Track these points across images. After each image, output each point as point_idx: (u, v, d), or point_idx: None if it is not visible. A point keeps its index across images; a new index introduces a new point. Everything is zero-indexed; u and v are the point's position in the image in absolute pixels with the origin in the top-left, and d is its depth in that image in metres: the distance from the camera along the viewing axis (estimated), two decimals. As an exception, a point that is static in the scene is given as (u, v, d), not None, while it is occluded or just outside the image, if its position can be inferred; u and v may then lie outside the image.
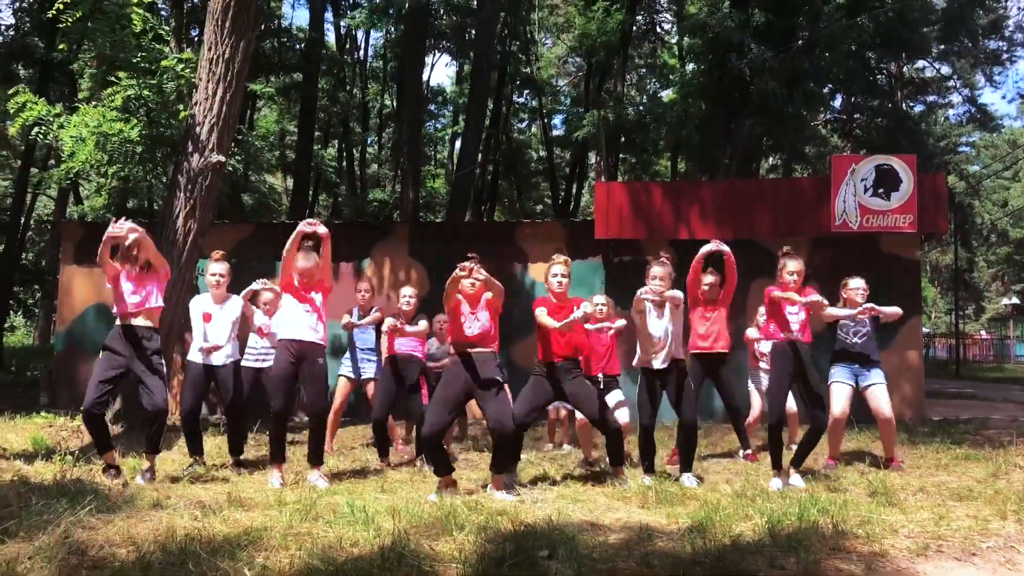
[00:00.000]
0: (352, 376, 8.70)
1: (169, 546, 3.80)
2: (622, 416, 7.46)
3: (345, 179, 27.94)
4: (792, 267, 6.98)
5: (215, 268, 7.45)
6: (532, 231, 12.00)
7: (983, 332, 52.26)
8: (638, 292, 6.81)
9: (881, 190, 10.50)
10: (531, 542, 3.98)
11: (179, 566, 3.52)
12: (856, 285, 7.89)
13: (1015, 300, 43.04)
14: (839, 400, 7.64)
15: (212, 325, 7.40)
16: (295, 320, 6.64)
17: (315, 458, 6.62)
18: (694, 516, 5.03)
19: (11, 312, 25.48)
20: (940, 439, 9.16)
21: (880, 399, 7.59)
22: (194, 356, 7.39)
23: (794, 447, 8.33)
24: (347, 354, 8.76)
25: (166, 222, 9.58)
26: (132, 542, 3.89)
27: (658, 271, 6.91)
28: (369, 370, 8.68)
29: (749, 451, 8.22)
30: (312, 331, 6.64)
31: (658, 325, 6.97)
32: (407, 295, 7.98)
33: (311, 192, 25.95)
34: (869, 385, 7.61)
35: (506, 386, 6.44)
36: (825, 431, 6.98)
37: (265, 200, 30.14)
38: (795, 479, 6.77)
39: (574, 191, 28.89)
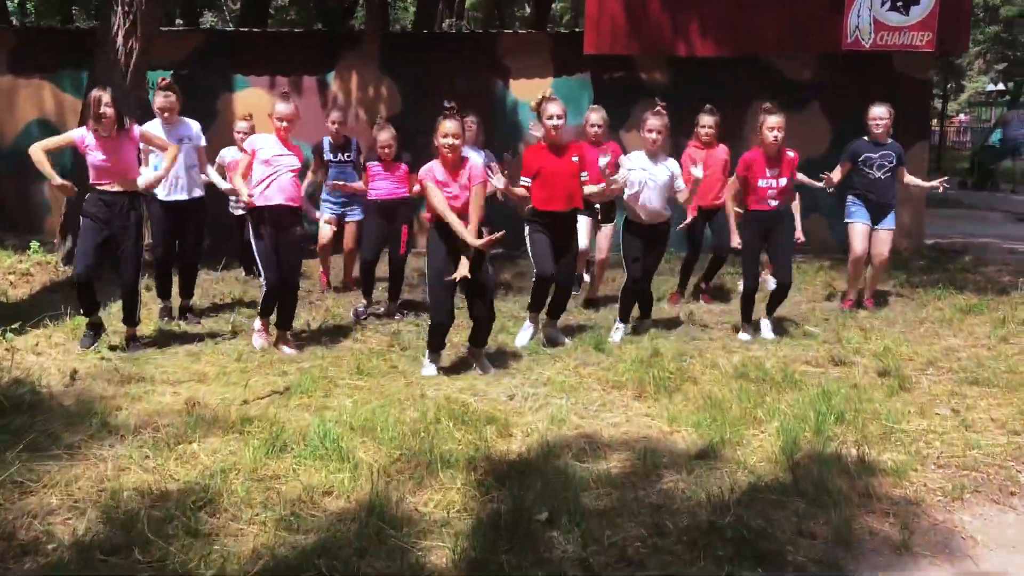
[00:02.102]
0: (332, 216, 8.09)
1: (113, 514, 3.31)
2: (603, 244, 7.63)
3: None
4: (772, 122, 6.48)
5: (161, 101, 6.78)
6: (515, 43, 10.90)
7: (962, 116, 51.38)
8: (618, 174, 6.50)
9: (900, 3, 9.48)
10: (526, 495, 3.54)
11: (125, 553, 3.05)
12: (874, 114, 7.48)
13: (1000, 86, 41.79)
14: (858, 238, 7.59)
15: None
16: (272, 182, 6.14)
17: (284, 323, 6.35)
18: (698, 423, 4.62)
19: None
20: (940, 280, 8.77)
21: (884, 243, 7.60)
22: (159, 194, 6.83)
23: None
24: (324, 194, 8.07)
25: (106, 41, 8.49)
26: (72, 506, 3.40)
27: (654, 123, 6.31)
28: (352, 214, 8.06)
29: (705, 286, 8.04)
30: (287, 193, 6.18)
31: (651, 180, 6.45)
32: (385, 142, 7.26)
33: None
34: (879, 228, 7.59)
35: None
36: (789, 288, 6.86)
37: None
38: (765, 328, 6.77)
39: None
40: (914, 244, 10.67)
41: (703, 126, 7.70)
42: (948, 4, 9.50)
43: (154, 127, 6.73)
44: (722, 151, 7.80)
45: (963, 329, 7.03)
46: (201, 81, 10.88)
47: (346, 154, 7.96)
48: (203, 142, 7.03)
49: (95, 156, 5.94)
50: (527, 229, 6.30)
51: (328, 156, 7.90)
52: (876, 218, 7.57)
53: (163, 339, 6.47)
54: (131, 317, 6.20)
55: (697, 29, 9.93)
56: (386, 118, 7.50)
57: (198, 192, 7.01)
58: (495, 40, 11.00)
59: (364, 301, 7.46)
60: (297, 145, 6.39)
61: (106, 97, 5.85)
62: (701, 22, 9.92)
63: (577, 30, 11.20)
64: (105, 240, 6.04)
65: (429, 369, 5.68)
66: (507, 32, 11.55)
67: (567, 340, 6.53)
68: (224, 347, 6.29)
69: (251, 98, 10.77)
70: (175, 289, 7.24)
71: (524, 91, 10.79)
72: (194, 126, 6.99)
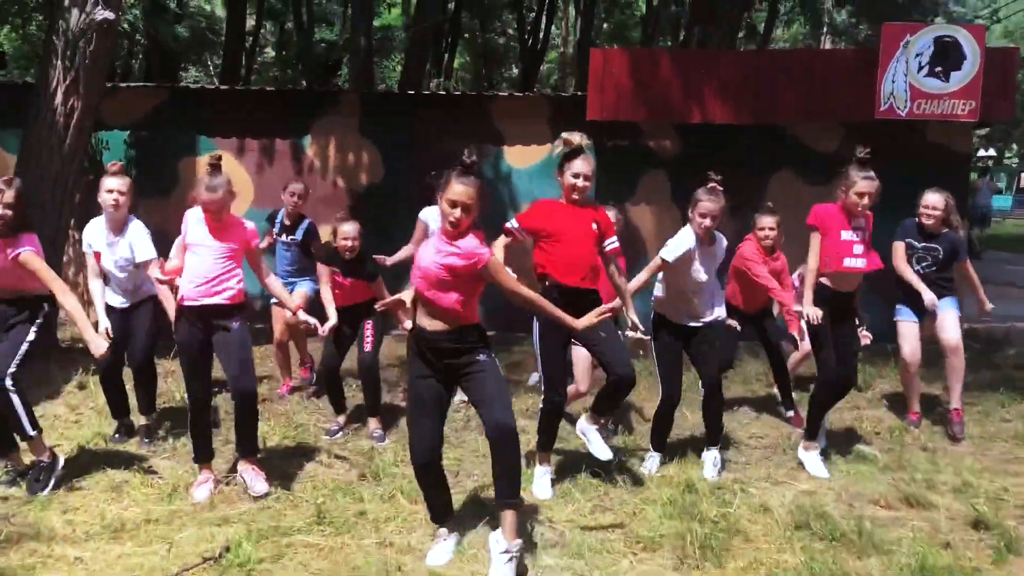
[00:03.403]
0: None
1: None
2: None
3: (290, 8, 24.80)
4: (863, 187, 5.29)
5: (111, 184, 5.44)
6: (509, 106, 9.88)
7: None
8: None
9: (939, 69, 8.54)
10: None
11: None
12: (928, 201, 6.42)
13: (991, 152, 41.58)
14: (905, 340, 6.41)
15: (106, 262, 5.58)
16: (195, 274, 4.77)
17: (246, 446, 4.95)
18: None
19: None
20: (993, 381, 7.67)
21: (949, 329, 6.29)
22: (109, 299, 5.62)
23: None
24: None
25: (42, 98, 7.40)
26: None
27: (708, 207, 5.13)
28: (303, 283, 6.91)
29: (792, 413, 6.62)
30: (217, 291, 4.78)
31: (699, 271, 5.28)
32: (349, 235, 5.91)
33: (255, 20, 23.04)
34: (941, 310, 6.30)
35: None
36: (842, 391, 5.58)
37: (201, 31, 26.88)
38: (812, 463, 5.44)
39: (543, 24, 26.18)
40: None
41: (762, 228, 6.42)
42: (992, 70, 8.58)
43: (96, 229, 5.57)
44: (781, 261, 6.60)
45: (1050, 455, 5.94)
46: (162, 143, 9.82)
47: (291, 236, 6.92)
48: (148, 254, 5.55)
49: None
50: (538, 324, 4.91)
51: (275, 230, 6.91)
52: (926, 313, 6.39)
53: (84, 462, 5.26)
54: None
55: (712, 95, 8.97)
56: (346, 212, 6.22)
57: (147, 291, 5.73)
58: (488, 102, 9.99)
59: (338, 420, 6.16)
60: (240, 220, 4.93)
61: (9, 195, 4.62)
62: (717, 88, 8.96)
63: (579, 93, 10.20)
64: None
65: (438, 552, 4.06)
66: (502, 94, 10.54)
67: (608, 453, 5.01)
68: (155, 475, 5.09)
69: (217, 162, 9.65)
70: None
71: (519, 158, 9.77)
72: (138, 236, 5.55)
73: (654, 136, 9.60)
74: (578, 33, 23.93)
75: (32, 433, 4.81)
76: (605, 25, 28.82)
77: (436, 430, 4.01)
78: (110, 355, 5.22)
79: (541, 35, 26.07)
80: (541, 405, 5.04)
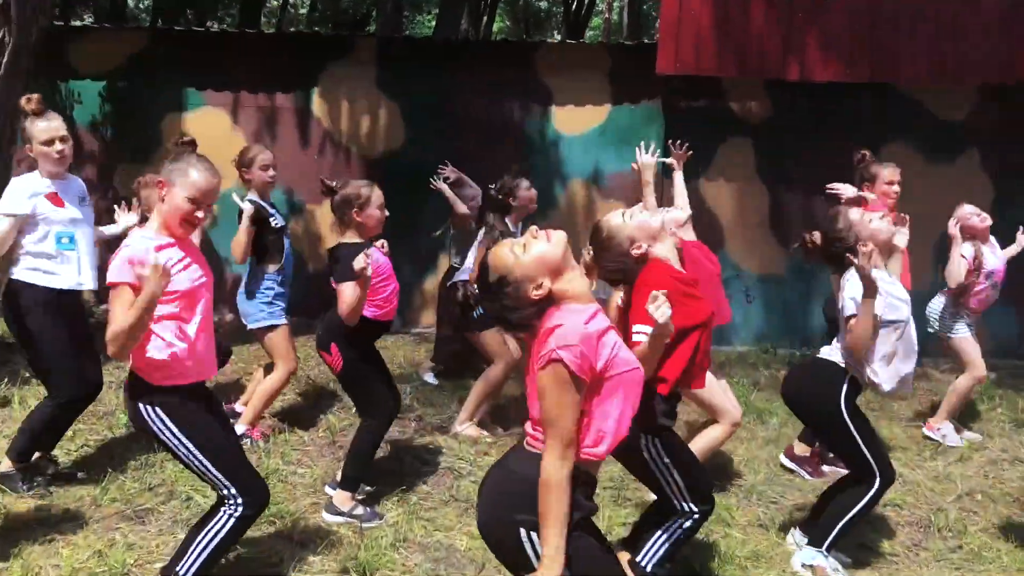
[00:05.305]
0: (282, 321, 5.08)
1: None
2: None
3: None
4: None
5: (47, 129, 4.09)
6: (559, 56, 8.13)
7: None
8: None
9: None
10: None
11: None
12: None
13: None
14: None
15: (67, 212, 4.19)
16: None
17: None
18: None
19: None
20: None
21: None
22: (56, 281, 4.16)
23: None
24: (263, 287, 4.93)
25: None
26: None
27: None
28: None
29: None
30: None
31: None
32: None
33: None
34: None
35: None
36: None
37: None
38: None
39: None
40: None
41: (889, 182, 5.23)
42: None
43: (28, 184, 4.13)
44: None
45: None
46: (141, 97, 8.21)
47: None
48: None
49: None
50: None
51: (277, 222, 4.91)
52: None
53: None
54: None
55: (816, 46, 7.17)
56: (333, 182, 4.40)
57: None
58: (533, 51, 8.24)
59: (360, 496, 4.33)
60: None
61: None
62: (821, 35, 7.16)
63: (646, 41, 8.42)
64: None
65: None
66: (551, 41, 8.80)
67: None
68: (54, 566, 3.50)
69: (207, 120, 8.08)
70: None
71: (570, 123, 8.02)
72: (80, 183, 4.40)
73: (739, 96, 7.81)
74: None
75: None
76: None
77: None
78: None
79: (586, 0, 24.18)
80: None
